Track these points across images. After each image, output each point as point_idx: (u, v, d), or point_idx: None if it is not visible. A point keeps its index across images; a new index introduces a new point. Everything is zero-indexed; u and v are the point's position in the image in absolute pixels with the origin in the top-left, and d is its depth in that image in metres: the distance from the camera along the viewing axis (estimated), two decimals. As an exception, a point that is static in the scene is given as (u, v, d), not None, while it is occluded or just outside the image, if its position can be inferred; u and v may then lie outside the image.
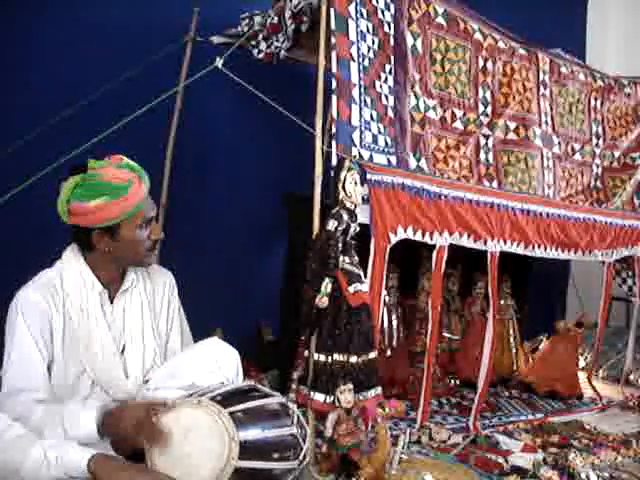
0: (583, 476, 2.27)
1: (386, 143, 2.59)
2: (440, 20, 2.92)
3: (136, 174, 1.74)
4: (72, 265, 1.77)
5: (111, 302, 1.81)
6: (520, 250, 3.02)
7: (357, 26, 2.50)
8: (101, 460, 1.35)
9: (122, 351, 1.81)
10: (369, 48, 2.56)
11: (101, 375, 1.75)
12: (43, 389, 1.64)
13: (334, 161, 2.32)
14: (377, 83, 2.58)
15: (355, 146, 2.43)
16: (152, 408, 1.50)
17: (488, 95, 3.14)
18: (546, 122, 3.43)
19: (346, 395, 2.13)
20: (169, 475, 1.42)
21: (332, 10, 2.38)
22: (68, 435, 1.50)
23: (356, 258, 2.34)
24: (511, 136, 3.23)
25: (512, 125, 3.23)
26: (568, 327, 3.66)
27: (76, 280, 1.75)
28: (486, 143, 3.13)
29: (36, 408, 1.57)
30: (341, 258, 2.26)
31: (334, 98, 2.38)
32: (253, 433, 1.47)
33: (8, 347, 1.67)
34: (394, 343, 3.38)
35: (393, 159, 2.61)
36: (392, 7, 2.68)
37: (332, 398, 2.17)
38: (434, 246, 2.66)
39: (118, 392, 1.77)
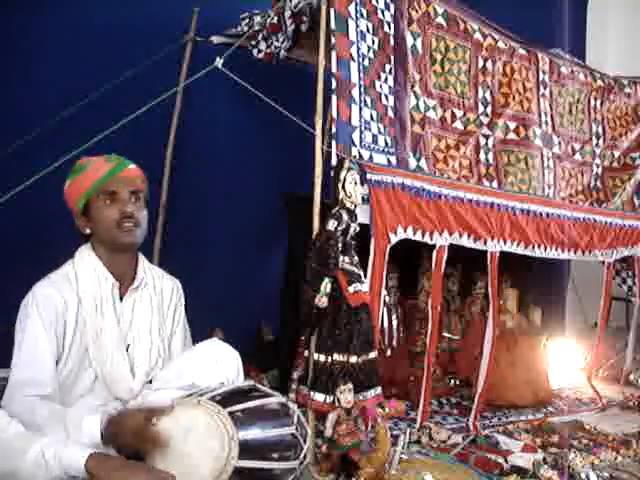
0: (583, 476, 2.27)
1: (386, 143, 2.59)
2: (440, 20, 2.92)
3: (104, 157, 1.82)
4: (85, 260, 1.80)
5: (121, 299, 1.83)
6: (520, 250, 3.02)
7: (357, 26, 2.50)
8: (98, 459, 1.35)
9: (127, 348, 1.81)
10: (369, 48, 2.56)
11: (106, 370, 1.75)
12: (50, 383, 1.65)
13: (334, 161, 2.32)
14: (377, 83, 2.58)
15: (355, 146, 2.43)
16: (151, 416, 1.49)
17: (488, 95, 3.14)
18: (546, 122, 3.43)
19: (346, 395, 2.13)
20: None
21: (332, 10, 2.39)
22: (71, 439, 1.49)
23: (356, 258, 2.34)
24: (511, 136, 3.23)
25: (512, 125, 3.23)
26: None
27: (90, 273, 1.78)
28: (486, 143, 3.13)
29: (42, 407, 1.57)
30: (341, 258, 2.26)
31: (334, 98, 2.38)
32: (253, 433, 1.46)
33: (19, 339, 1.68)
34: (394, 343, 3.38)
35: (393, 159, 2.61)
36: (392, 7, 2.68)
37: (332, 398, 2.17)
38: (434, 246, 2.65)
39: (120, 389, 1.77)
